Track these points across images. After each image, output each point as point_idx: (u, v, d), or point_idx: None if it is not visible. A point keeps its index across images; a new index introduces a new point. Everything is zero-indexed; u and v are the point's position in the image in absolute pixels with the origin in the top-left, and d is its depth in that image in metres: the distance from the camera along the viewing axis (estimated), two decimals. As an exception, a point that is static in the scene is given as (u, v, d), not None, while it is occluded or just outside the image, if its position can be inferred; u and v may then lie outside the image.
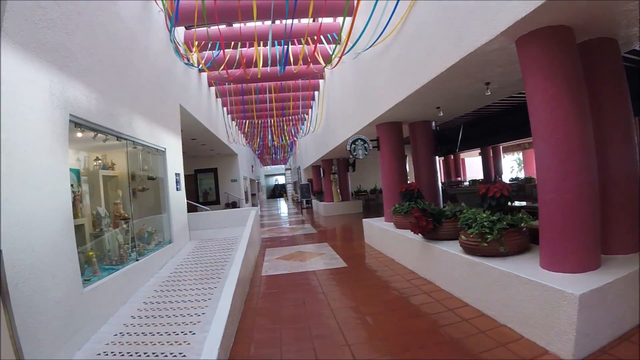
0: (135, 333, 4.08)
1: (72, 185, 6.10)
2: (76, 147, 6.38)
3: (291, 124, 21.36)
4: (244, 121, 20.09)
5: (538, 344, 3.35)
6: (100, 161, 7.16)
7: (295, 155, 34.71)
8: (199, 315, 4.52)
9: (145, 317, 4.65)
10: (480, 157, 20.20)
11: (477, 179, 19.61)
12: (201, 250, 8.58)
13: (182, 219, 9.19)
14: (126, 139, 6.73)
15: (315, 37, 10.05)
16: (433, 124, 8.68)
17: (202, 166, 22.25)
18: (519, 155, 28.47)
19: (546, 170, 3.66)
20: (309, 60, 10.34)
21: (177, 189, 9.03)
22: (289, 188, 46.80)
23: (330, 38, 10.18)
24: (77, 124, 4.95)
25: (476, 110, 8.79)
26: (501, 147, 19.77)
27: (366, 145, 8.44)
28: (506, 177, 20.12)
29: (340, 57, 8.71)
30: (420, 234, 5.75)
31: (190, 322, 4.30)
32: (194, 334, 3.90)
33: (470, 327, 3.87)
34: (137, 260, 6.51)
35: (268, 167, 54.69)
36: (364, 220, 9.44)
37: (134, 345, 3.71)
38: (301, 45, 10.86)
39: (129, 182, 8.09)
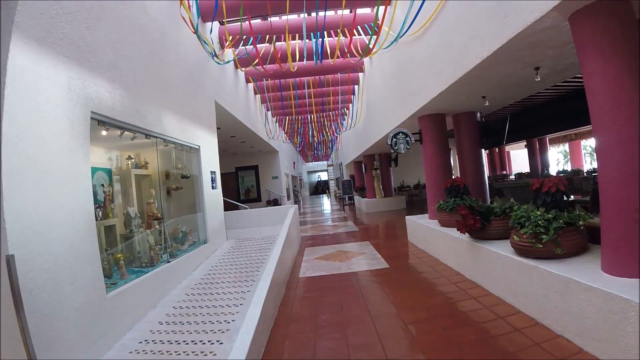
0: (160, 341, 3.92)
1: (102, 185, 6.11)
2: (107, 145, 6.44)
3: (331, 120, 21.08)
4: (284, 118, 20.00)
5: (600, 359, 2.93)
6: (132, 160, 7.11)
7: (337, 151, 34.43)
8: (228, 323, 4.32)
9: (173, 324, 4.50)
10: (525, 150, 19.23)
11: (523, 172, 18.67)
12: (237, 250, 8.46)
13: (218, 218, 9.11)
14: (156, 137, 6.64)
15: (350, 28, 9.72)
16: (478, 115, 8.14)
17: (243, 164, 22.40)
18: (564, 147, 27.03)
19: (608, 163, 3.17)
20: (346, 51, 9.98)
21: (213, 188, 8.95)
22: (332, 184, 46.62)
23: (367, 28, 9.80)
24: (100, 121, 4.81)
25: (523, 100, 8.17)
26: (547, 138, 18.68)
27: (408, 139, 8.02)
28: (553, 170, 19.02)
29: (373, 46, 8.34)
30: (467, 234, 5.33)
31: (219, 330, 4.10)
32: (221, 343, 3.69)
33: (524, 338, 3.44)
34: (168, 262, 6.40)
35: (310, 163, 54.69)
36: (406, 217, 9.03)
37: (158, 355, 3.53)
38: (336, 38, 10.55)
39: (161, 181, 7.99)
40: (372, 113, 13.19)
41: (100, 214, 6.02)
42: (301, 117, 20.29)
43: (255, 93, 15.49)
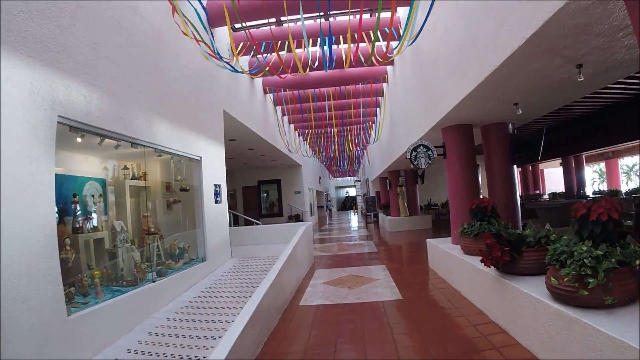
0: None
1: (92, 196, 5.67)
2: (103, 155, 6.11)
3: (354, 133, 20.27)
4: (306, 131, 19.36)
5: None
6: (127, 170, 6.65)
7: (362, 166, 33.56)
8: (198, 360, 3.62)
9: (142, 353, 3.98)
10: (560, 168, 17.89)
11: (558, 192, 17.34)
12: (239, 270, 7.73)
13: (222, 234, 8.44)
14: (145, 146, 6.06)
15: (362, 33, 8.97)
16: (510, 126, 7.20)
17: (266, 177, 21.91)
18: (599, 166, 25.31)
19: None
20: (362, 59, 9.22)
21: (217, 202, 8.30)
22: (360, 200, 45.68)
23: (387, 31, 9.03)
24: (72, 127, 4.33)
25: (559, 111, 7.19)
26: (584, 156, 17.31)
27: (430, 152, 7.13)
28: (588, 190, 17.63)
29: (387, 48, 7.55)
30: (492, 267, 4.40)
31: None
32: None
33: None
34: (153, 281, 5.81)
35: (339, 178, 54.09)
36: (428, 240, 8.08)
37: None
38: (351, 44, 9.82)
39: (159, 193, 7.55)
40: (396, 126, 12.34)
41: (89, 226, 5.59)
42: (324, 131, 19.60)
43: (275, 105, 14.89)
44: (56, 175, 3.87)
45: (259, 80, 12.89)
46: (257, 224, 11.95)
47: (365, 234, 16.72)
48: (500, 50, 3.99)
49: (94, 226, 5.73)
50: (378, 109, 16.32)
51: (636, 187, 17.28)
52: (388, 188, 18.49)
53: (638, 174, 23.39)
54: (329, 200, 53.28)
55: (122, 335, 4.56)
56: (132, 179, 6.77)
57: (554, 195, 16.87)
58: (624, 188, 18.69)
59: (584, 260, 3.03)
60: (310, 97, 13.97)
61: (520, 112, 5.86)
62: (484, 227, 5.70)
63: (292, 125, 18.52)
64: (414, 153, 7.07)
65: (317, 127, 18.47)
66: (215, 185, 8.33)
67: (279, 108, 15.38)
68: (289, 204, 21.80)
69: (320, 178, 33.01)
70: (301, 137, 19.80)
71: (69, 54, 4.18)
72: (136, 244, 6.43)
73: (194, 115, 7.63)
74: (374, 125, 17.96)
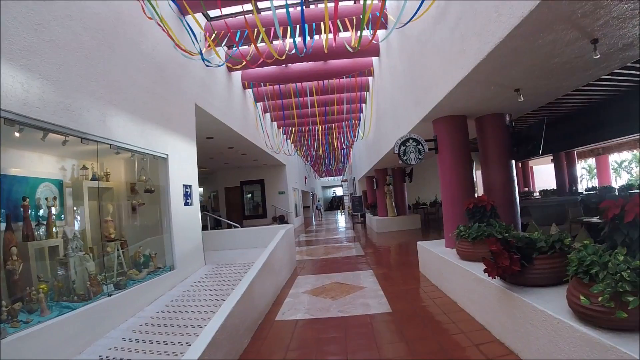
0: None
1: (46, 199, 5.19)
2: (60, 153, 5.55)
3: (338, 131, 19.57)
4: (290, 129, 18.65)
5: None
6: (86, 170, 5.96)
7: (349, 165, 32.91)
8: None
9: None
10: (549, 165, 17.47)
11: (549, 189, 16.91)
12: (211, 279, 7.01)
13: (193, 240, 7.71)
14: (97, 141, 5.33)
15: (345, 20, 8.32)
16: (507, 117, 6.59)
17: (248, 178, 21.19)
18: (587, 163, 25.08)
19: None
20: (346, 45, 8.53)
21: (187, 204, 7.57)
22: (347, 200, 45.08)
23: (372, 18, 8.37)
24: (7, 119, 3.76)
25: (555, 103, 6.65)
26: (575, 152, 16.91)
27: (420, 147, 6.47)
28: (580, 187, 17.27)
29: (373, 36, 6.88)
30: (498, 277, 3.75)
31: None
32: None
33: None
34: (109, 295, 5.10)
35: (325, 178, 53.48)
36: (418, 243, 7.41)
37: None
38: (329, 30, 9.16)
39: (123, 195, 6.87)
40: (383, 121, 11.68)
41: (42, 232, 5.07)
42: (308, 129, 18.91)
43: (256, 101, 14.15)
44: (1, 176, 3.21)
45: (237, 75, 12.14)
46: (236, 226, 11.18)
47: (352, 236, 16.05)
48: (506, 19, 3.33)
49: (48, 233, 5.11)
50: (364, 104, 15.66)
51: (631, 181, 16.85)
52: (375, 187, 17.85)
53: (627, 170, 23.14)
54: (319, 201, 52.85)
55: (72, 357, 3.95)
56: (92, 179, 6.09)
57: (545, 192, 16.42)
58: (614, 184, 18.35)
59: (622, 273, 2.39)
60: (292, 92, 13.25)
61: (522, 99, 5.23)
62: (483, 230, 5.07)
63: (275, 123, 17.79)
64: (402, 147, 6.39)
65: (300, 125, 17.78)
66: (185, 186, 7.59)
67: (260, 104, 14.65)
68: (273, 205, 21.06)
69: (305, 178, 32.29)
70: (284, 135, 19.08)
71: (4, 36, 3.63)
72: (95, 253, 5.73)
73: (160, 109, 6.89)
74: (359, 122, 17.32)
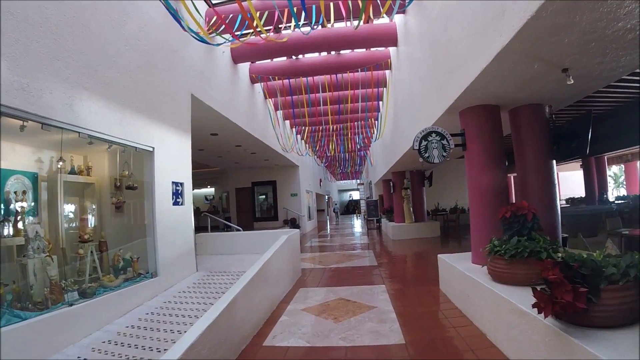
0: None
1: (15, 193, 4.73)
2: (37, 144, 5.06)
3: (352, 131, 18.49)
4: (303, 128, 17.72)
5: None
6: (63, 162, 5.32)
7: (366, 168, 31.80)
8: None
9: None
10: (576, 171, 16.05)
11: (576, 197, 15.60)
12: (199, 289, 6.12)
13: (183, 243, 6.87)
14: (61, 128, 4.58)
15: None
16: (547, 109, 5.51)
17: (260, 179, 20.34)
18: (614, 170, 23.42)
19: None
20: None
21: (177, 204, 6.70)
22: (363, 204, 43.98)
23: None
24: None
25: (595, 96, 5.51)
26: (605, 158, 15.54)
27: (444, 142, 5.42)
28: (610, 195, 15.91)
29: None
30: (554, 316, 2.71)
31: None
32: None
33: None
34: (71, 305, 4.32)
35: (342, 181, 52.46)
36: (439, 257, 6.34)
37: None
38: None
39: (99, 191, 6.15)
40: (400, 118, 10.64)
41: (8, 229, 4.58)
42: (321, 128, 17.96)
43: (266, 97, 13.25)
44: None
45: (244, 68, 11.27)
46: (238, 229, 10.26)
47: (366, 242, 14.98)
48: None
49: (16, 230, 4.58)
50: (381, 102, 14.63)
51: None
52: (392, 191, 16.75)
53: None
54: (336, 204, 51.94)
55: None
56: (70, 173, 5.50)
57: (572, 200, 15.15)
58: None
59: None
60: (302, 87, 12.30)
61: (572, 81, 4.15)
62: (524, 245, 4.01)
63: (287, 122, 16.90)
64: (423, 142, 5.36)
65: (312, 124, 16.84)
66: (176, 184, 6.70)
67: (271, 101, 13.76)
68: (285, 208, 20.13)
69: (320, 180, 31.32)
70: (298, 135, 18.16)
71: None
72: (68, 255, 5.14)
73: (145, 96, 6.08)
74: (376, 122, 16.28)
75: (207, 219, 10.85)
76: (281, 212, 20.24)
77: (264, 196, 20.97)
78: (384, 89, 13.12)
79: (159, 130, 6.31)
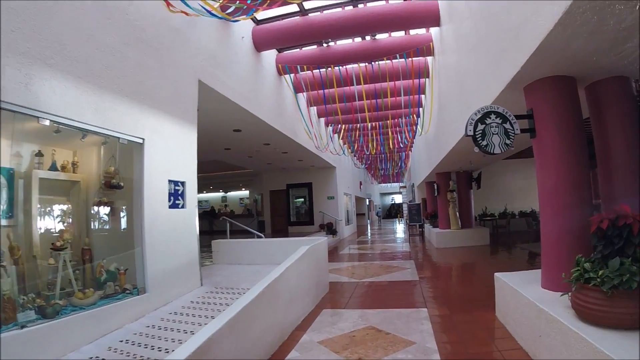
0: None
1: None
2: (15, 136, 4.17)
3: (393, 128, 17.06)
4: (339, 126, 16.56)
5: None
6: (41, 157, 4.51)
7: (408, 170, 30.17)
8: None
9: None
10: None
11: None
12: (194, 310, 5.07)
13: (183, 254, 5.91)
14: (13, 111, 3.72)
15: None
16: (633, 84, 4.10)
17: (295, 180, 19.40)
18: None
19: None
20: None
21: (176, 206, 5.74)
22: (405, 208, 42.21)
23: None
24: None
25: None
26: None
27: (507, 126, 4.08)
28: None
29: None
30: None
31: None
32: None
33: None
34: (22, 327, 3.46)
35: (385, 184, 50.87)
36: (497, 276, 4.98)
37: None
38: None
39: (85, 191, 5.27)
40: (446, 110, 9.25)
41: None
42: (359, 126, 16.71)
43: (296, 90, 12.19)
44: None
45: (269, 58, 10.23)
46: (259, 236, 9.20)
47: (407, 251, 13.54)
48: None
49: None
50: (423, 96, 13.24)
51: None
52: (436, 194, 15.25)
53: None
54: (379, 208, 50.50)
55: None
56: (51, 169, 4.69)
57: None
58: None
59: None
60: (335, 79, 11.12)
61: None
62: (631, 271, 2.68)
63: (322, 120, 15.79)
64: (480, 127, 4.04)
65: (347, 122, 15.62)
66: (174, 183, 5.72)
67: (303, 96, 12.71)
68: (321, 211, 19.01)
69: (360, 183, 29.99)
70: (335, 134, 17.01)
71: None
72: (39, 264, 4.29)
73: (134, 78, 5.13)
74: (418, 118, 14.88)
75: (228, 223, 9.85)
76: (317, 216, 19.14)
77: (302, 199, 19.96)
78: (426, 79, 11.74)
79: (152, 118, 5.35)
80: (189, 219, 6.09)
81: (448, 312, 5.45)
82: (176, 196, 5.80)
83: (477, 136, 4.00)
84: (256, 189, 21.50)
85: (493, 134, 4.00)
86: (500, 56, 4.44)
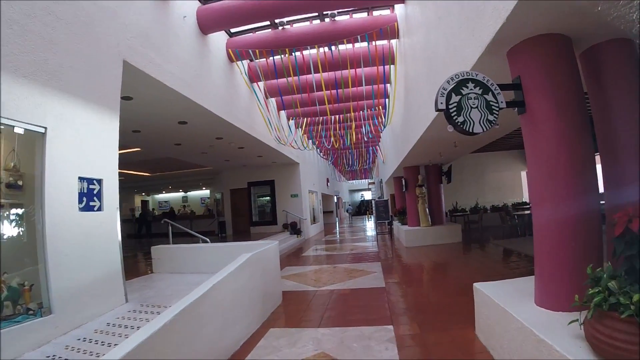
0: None
1: None
2: None
3: (357, 122, 16.11)
4: (301, 119, 15.55)
5: None
6: None
7: (376, 165, 29.41)
8: None
9: None
10: None
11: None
12: (107, 337, 3.94)
13: (102, 264, 4.81)
14: None
15: None
16: (638, 46, 3.27)
17: (257, 178, 18.27)
18: None
19: None
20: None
21: (91, 209, 4.63)
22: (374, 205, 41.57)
23: None
24: None
25: None
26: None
27: (489, 97, 3.13)
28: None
29: None
30: None
31: None
32: None
33: None
34: None
35: (354, 181, 50.18)
36: (476, 287, 4.09)
37: None
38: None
39: None
40: (414, 93, 8.35)
41: None
42: (322, 119, 15.75)
43: (252, 80, 11.12)
44: None
45: (218, 42, 9.12)
46: (205, 240, 8.07)
47: (375, 251, 12.61)
48: None
49: None
50: (388, 85, 12.37)
51: None
52: (404, 190, 14.45)
53: None
54: (350, 205, 49.84)
55: None
56: None
57: None
58: None
59: None
60: (290, 66, 10.10)
61: None
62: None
63: (283, 113, 14.75)
64: (454, 98, 3.08)
65: (305, 115, 14.62)
66: (87, 181, 4.58)
67: (260, 87, 11.62)
68: (285, 210, 17.96)
69: (327, 180, 29.05)
70: (298, 129, 15.97)
71: None
72: None
73: (36, 55, 4.03)
74: (384, 110, 14.02)
75: (183, 227, 8.70)
76: (281, 215, 18.09)
77: (267, 198, 18.82)
78: (391, 67, 10.88)
79: (58, 104, 4.22)
80: (109, 223, 4.95)
81: (418, 331, 4.53)
82: (90, 197, 4.67)
83: (451, 110, 3.05)
84: (217, 187, 20.29)
85: (472, 107, 3.07)
86: (477, 14, 3.52)
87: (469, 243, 12.00)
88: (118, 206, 5.20)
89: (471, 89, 3.10)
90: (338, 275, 8.42)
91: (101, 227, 4.82)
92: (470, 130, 3.03)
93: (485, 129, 3.04)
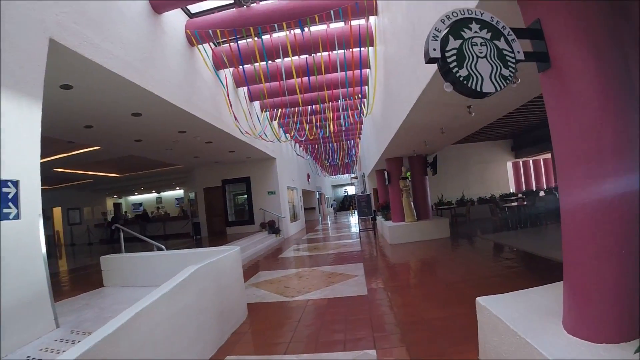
0: None
1: None
2: None
3: (334, 110, 15.15)
4: (276, 110, 14.56)
5: None
6: None
7: (358, 159, 28.54)
8: None
9: None
10: None
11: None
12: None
13: (22, 284, 3.78)
14: None
15: None
16: None
17: (231, 175, 17.23)
18: None
19: None
20: None
21: (6, 217, 3.65)
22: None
23: None
24: None
25: None
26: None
27: (502, 43, 2.22)
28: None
29: None
30: None
31: None
32: None
33: None
34: None
35: (337, 176, 49.41)
36: (480, 304, 3.20)
37: None
38: None
39: None
40: (395, 74, 7.44)
41: None
42: (297, 110, 14.78)
43: (218, 68, 10.11)
44: None
45: (175, 24, 8.07)
46: (160, 248, 7.06)
47: (357, 250, 11.68)
48: None
49: None
50: (368, 70, 11.47)
51: None
52: (387, 183, 13.59)
53: None
54: (334, 201, 49.00)
55: None
56: None
57: None
58: None
59: None
60: (256, 50, 9.11)
61: None
62: None
63: (257, 103, 13.75)
64: (453, 43, 2.16)
65: (274, 106, 13.62)
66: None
67: (227, 74, 10.61)
68: (262, 208, 16.96)
69: (308, 175, 28.10)
70: (274, 121, 14.96)
71: None
72: None
73: None
74: (364, 100, 13.14)
75: (136, 233, 7.67)
76: (258, 213, 17.09)
77: (243, 196, 17.78)
78: (369, 49, 9.97)
79: None
80: (29, 234, 3.94)
81: (407, 357, 3.64)
82: (4, 202, 3.67)
83: (449, 60, 2.13)
84: (190, 187, 19.21)
85: (478, 56, 2.17)
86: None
87: (458, 238, 11.20)
88: (41, 213, 4.19)
89: (476, 32, 2.20)
90: (315, 280, 7.50)
91: (19, 240, 3.80)
92: (479, 89, 2.12)
93: (499, 88, 2.14)
